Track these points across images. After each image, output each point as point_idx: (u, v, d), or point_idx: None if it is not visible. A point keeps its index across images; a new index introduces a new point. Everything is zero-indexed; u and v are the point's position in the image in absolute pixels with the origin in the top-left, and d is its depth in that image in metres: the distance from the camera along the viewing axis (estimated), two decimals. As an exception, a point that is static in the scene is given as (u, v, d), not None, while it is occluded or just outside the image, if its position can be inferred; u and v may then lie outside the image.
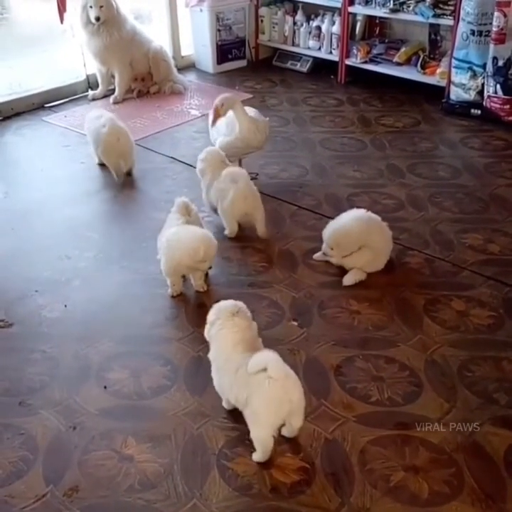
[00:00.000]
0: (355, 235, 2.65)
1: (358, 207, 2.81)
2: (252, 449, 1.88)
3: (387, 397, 2.09)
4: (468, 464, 1.86)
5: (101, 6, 4.27)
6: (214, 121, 3.15)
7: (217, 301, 2.52)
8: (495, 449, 1.90)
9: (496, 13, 3.76)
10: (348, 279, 2.64)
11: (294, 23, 5.15)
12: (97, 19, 4.29)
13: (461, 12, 3.96)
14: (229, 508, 1.75)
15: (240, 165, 3.43)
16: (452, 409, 2.04)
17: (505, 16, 3.72)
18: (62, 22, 4.41)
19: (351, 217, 2.69)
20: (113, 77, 4.64)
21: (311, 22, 5.06)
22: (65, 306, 2.55)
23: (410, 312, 2.49)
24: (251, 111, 3.27)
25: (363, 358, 2.26)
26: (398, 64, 4.67)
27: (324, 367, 2.22)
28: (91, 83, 4.76)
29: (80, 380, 2.19)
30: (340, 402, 2.07)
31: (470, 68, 4.06)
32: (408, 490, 1.79)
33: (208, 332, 1.99)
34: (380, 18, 4.82)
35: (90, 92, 4.71)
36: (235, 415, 2.01)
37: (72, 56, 4.69)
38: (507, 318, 2.44)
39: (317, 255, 2.81)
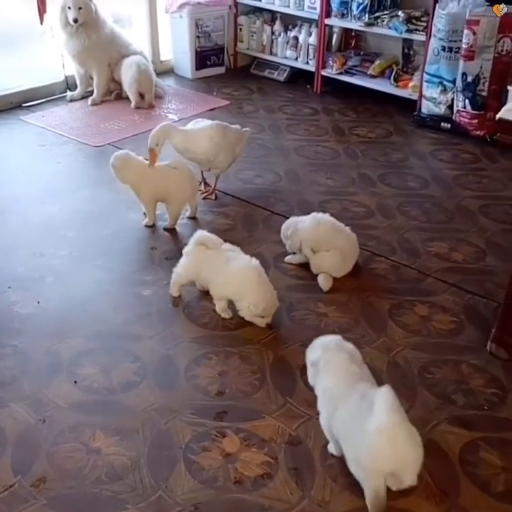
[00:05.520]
0: (327, 228, 2.76)
1: (324, 212, 2.89)
2: (218, 443, 1.96)
3: (350, 396, 2.16)
4: (425, 461, 1.91)
5: (79, 8, 4.29)
6: (153, 162, 3.04)
7: (188, 302, 2.58)
8: (450, 446, 1.99)
9: (465, 31, 3.87)
10: (325, 285, 2.70)
11: (272, 33, 5.24)
12: (75, 21, 4.31)
13: (433, 28, 4.08)
14: (193, 500, 1.80)
15: (203, 178, 3.50)
16: (411, 409, 2.11)
17: (474, 34, 3.84)
18: (41, 23, 4.44)
19: (314, 216, 2.81)
20: (91, 78, 4.68)
21: (288, 32, 5.15)
22: (38, 302, 2.58)
23: (375, 316, 2.57)
24: (207, 122, 3.28)
25: (328, 359, 2.33)
26: (372, 76, 4.78)
27: (291, 366, 2.29)
28: (69, 84, 4.78)
29: (51, 375, 2.22)
30: (304, 400, 2.13)
31: (441, 83, 4.18)
32: (366, 484, 1.86)
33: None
34: (356, 31, 4.93)
35: (69, 93, 4.73)
36: (203, 412, 2.07)
37: (51, 57, 4.70)
38: (468, 323, 2.54)
39: (288, 258, 2.88)
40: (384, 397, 1.64)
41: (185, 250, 2.59)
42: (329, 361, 1.85)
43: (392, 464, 1.66)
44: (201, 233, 2.58)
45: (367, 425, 1.62)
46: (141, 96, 4.61)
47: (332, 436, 1.86)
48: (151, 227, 3.14)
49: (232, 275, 2.45)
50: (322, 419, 1.88)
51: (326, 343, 1.90)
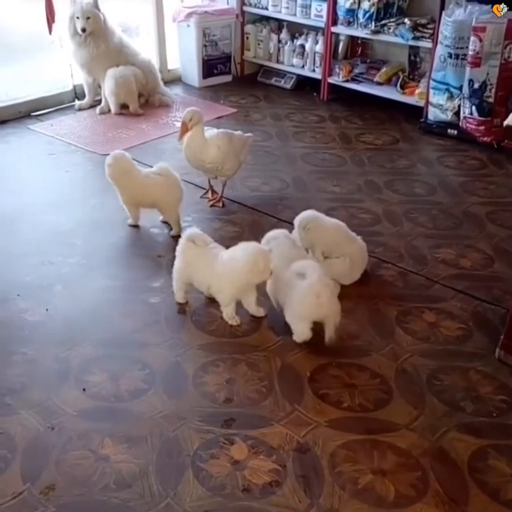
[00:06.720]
0: (343, 232, 2.78)
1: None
2: (226, 450, 1.97)
3: (358, 404, 2.16)
4: (434, 468, 1.93)
5: (88, 18, 4.35)
6: (182, 136, 3.16)
7: (196, 309, 2.60)
8: (459, 454, 1.98)
9: (472, 38, 3.88)
10: None
11: (279, 41, 5.26)
12: (84, 30, 4.36)
13: (440, 35, 4.09)
14: (201, 507, 1.80)
15: (210, 185, 3.51)
16: (420, 416, 2.11)
17: (480, 40, 3.84)
18: (50, 32, 4.48)
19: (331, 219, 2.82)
20: (100, 87, 4.71)
21: (295, 40, 5.18)
22: (47, 310, 2.59)
23: (383, 322, 2.57)
24: (213, 131, 3.30)
25: (336, 366, 2.33)
26: (379, 83, 4.79)
27: (299, 373, 2.29)
28: (78, 93, 4.83)
29: (60, 382, 2.23)
30: (312, 407, 2.14)
31: (447, 90, 4.19)
32: (375, 492, 1.86)
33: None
34: (362, 38, 4.95)
35: (77, 102, 4.77)
36: (211, 419, 2.08)
37: (60, 66, 4.75)
38: (475, 330, 2.53)
39: (295, 265, 2.89)
40: (316, 268, 2.34)
41: (177, 251, 2.63)
42: (276, 247, 2.49)
43: (315, 312, 2.31)
44: (192, 230, 2.65)
45: (301, 284, 2.28)
46: (126, 106, 4.66)
47: (275, 299, 2.50)
48: (135, 227, 3.21)
49: (223, 275, 2.47)
50: (268, 288, 2.51)
51: (274, 234, 2.58)
